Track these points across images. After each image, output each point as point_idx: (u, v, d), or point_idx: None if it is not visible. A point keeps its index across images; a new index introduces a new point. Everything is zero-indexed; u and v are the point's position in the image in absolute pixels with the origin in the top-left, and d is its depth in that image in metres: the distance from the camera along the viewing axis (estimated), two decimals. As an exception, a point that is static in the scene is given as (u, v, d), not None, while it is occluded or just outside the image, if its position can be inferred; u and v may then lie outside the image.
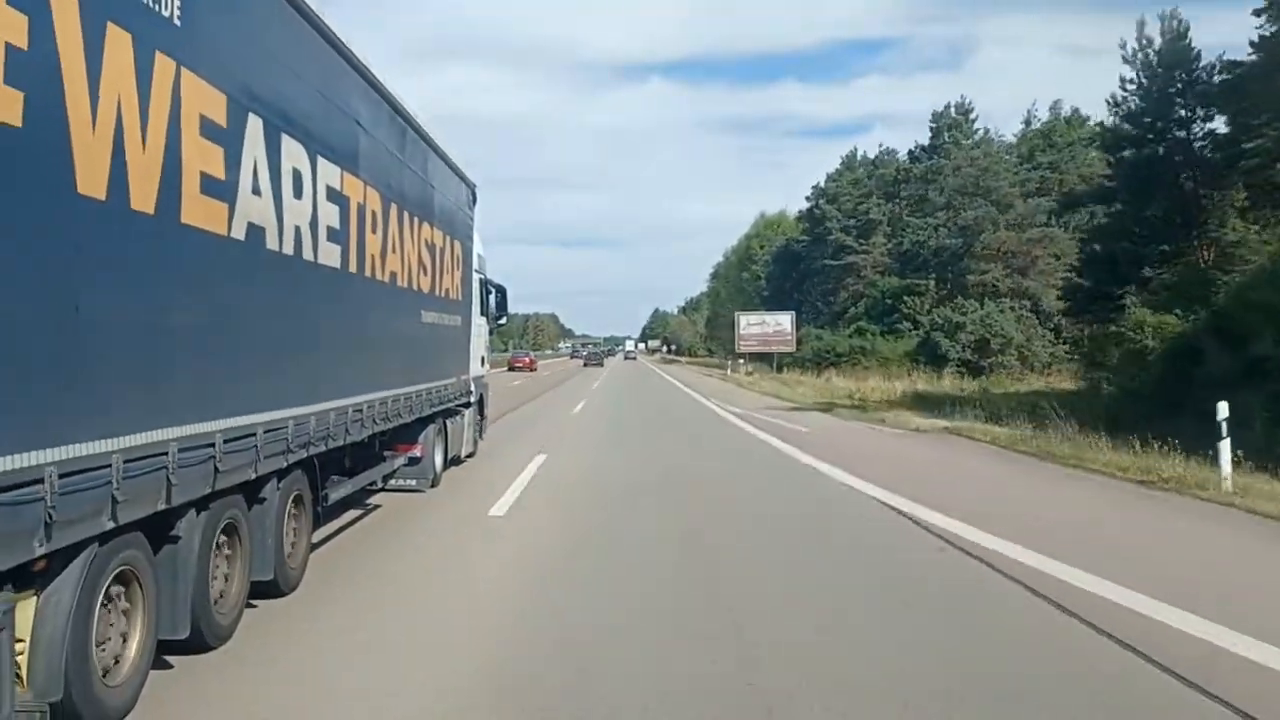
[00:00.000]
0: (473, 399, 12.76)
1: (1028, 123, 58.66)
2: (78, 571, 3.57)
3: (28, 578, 3.37)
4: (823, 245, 63.58)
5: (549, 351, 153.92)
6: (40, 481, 3.18)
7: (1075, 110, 55.67)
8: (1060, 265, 44.25)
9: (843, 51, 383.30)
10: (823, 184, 68.45)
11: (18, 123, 3.08)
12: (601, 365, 79.29)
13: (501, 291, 15.08)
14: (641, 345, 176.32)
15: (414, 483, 9.90)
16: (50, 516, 3.24)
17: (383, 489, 9.47)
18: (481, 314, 13.51)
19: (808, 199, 70.25)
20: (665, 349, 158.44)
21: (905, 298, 52.46)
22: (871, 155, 68.39)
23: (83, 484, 3.44)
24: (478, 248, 12.98)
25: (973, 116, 57.57)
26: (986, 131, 56.88)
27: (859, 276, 60.46)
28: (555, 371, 64.27)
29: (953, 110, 57.74)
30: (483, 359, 14.00)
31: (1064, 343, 43.57)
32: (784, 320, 58.23)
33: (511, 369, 59.18)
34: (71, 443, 3.37)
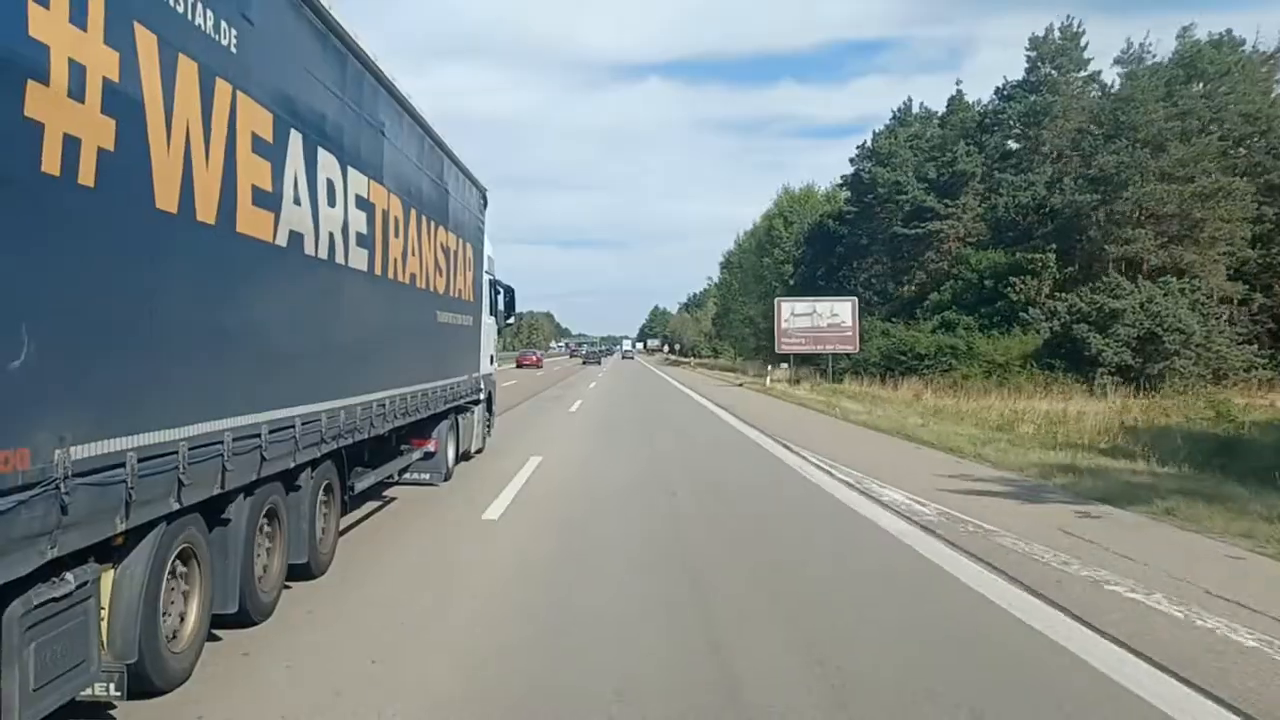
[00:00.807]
0: (482, 396, 13.17)
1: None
2: (149, 548, 3.97)
3: (107, 553, 3.77)
4: (872, 219, 50.25)
5: (541, 351, 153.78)
6: (123, 465, 3.59)
7: (1227, 32, 39.37)
8: (1234, 229, 33.25)
9: (841, 53, 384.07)
10: (870, 143, 52.47)
11: (111, 146, 3.48)
12: (599, 364, 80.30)
13: (510, 292, 15.49)
14: (639, 345, 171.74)
15: (428, 476, 10.29)
16: (130, 496, 3.65)
17: (398, 483, 9.86)
18: (490, 314, 13.91)
19: (853, 160, 54.17)
20: (666, 349, 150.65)
21: (1013, 278, 38.55)
22: (933, 107, 53.09)
23: (155, 468, 3.84)
24: (487, 249, 13.38)
25: (1083, 42, 44.15)
26: (1128, 49, 40.46)
27: (940, 250, 45.87)
28: (549, 371, 59.21)
29: (1056, 33, 44.14)
30: (491, 357, 14.40)
31: (1250, 340, 32.64)
32: (842, 310, 41.85)
33: (520, 366, 61.22)
34: (147, 431, 3.78)
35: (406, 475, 9.85)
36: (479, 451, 13.44)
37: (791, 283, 58.41)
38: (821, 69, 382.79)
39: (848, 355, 41.53)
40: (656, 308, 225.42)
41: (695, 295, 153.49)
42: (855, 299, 42.90)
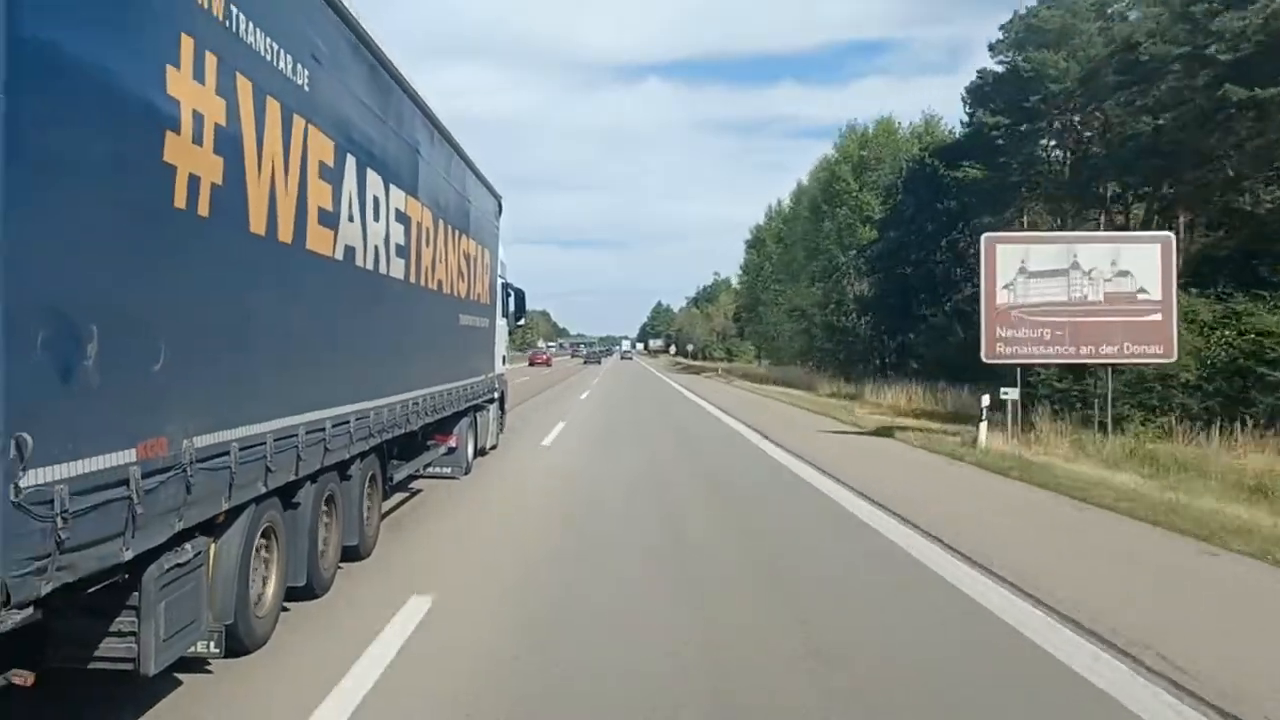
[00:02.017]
0: (496, 395, 13.79)
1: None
2: (242, 525, 4.59)
3: (210, 529, 4.37)
4: (1032, 141, 31.99)
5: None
6: (228, 454, 4.19)
7: None
8: None
9: (842, 53, 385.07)
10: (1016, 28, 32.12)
11: (220, 181, 4.08)
12: (599, 364, 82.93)
13: (520, 294, 16.10)
14: (640, 345, 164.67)
15: (449, 470, 10.89)
16: (232, 480, 4.26)
17: (422, 476, 10.47)
18: (503, 315, 14.53)
19: (991, 46, 33.65)
20: (673, 349, 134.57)
21: None
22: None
23: (250, 457, 4.45)
24: (501, 254, 13.99)
25: None
26: None
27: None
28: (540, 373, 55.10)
29: None
30: (503, 358, 15.01)
31: None
32: (1139, 260, 17.00)
33: (532, 364, 67.60)
34: (245, 425, 4.38)
35: (430, 469, 10.45)
36: (493, 448, 14.05)
37: (873, 256, 40.90)
38: (822, 70, 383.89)
39: (1134, 369, 18.63)
40: (660, 304, 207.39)
41: (705, 289, 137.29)
42: (1169, 236, 18.31)
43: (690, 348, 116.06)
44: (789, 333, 56.03)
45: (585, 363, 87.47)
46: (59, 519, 2.91)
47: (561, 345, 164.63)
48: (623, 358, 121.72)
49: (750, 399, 33.34)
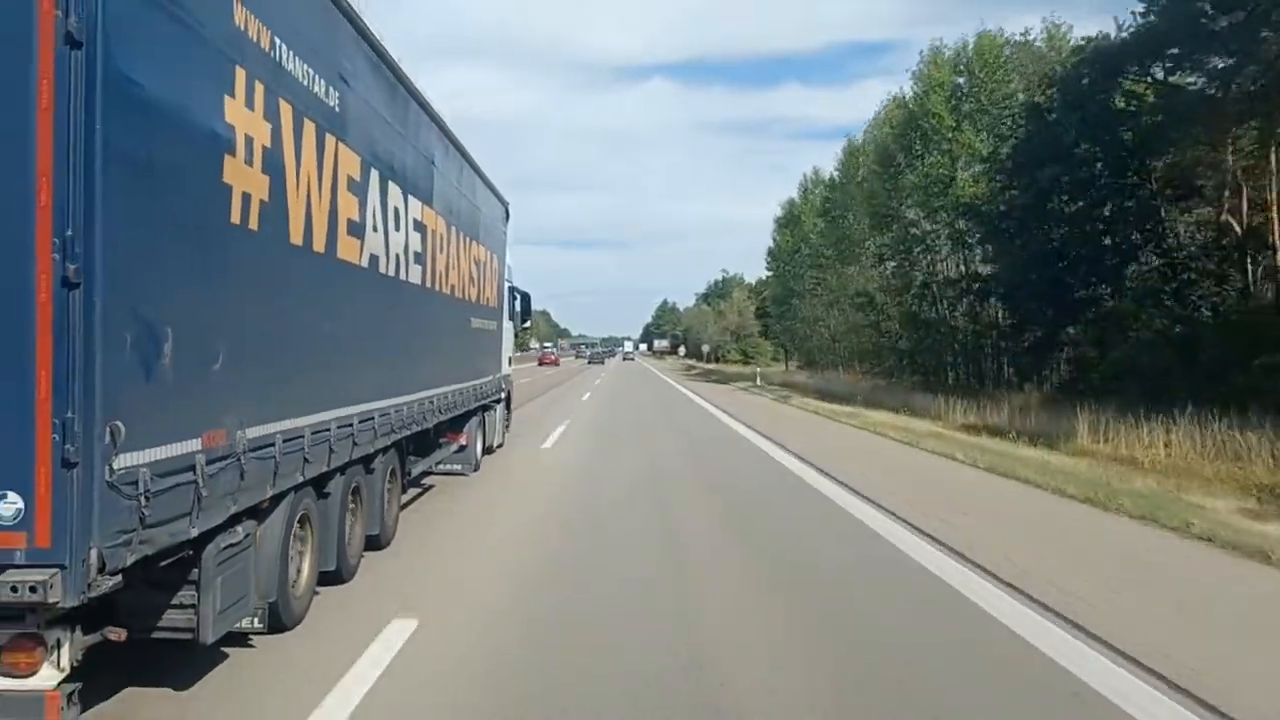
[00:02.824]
0: (502, 395, 14.22)
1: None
2: (283, 511, 5.00)
3: (255, 514, 4.79)
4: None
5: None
6: (273, 445, 4.61)
7: None
8: None
9: (844, 54, 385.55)
10: None
11: (267, 198, 4.50)
12: (603, 364, 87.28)
13: (525, 297, 16.54)
14: (643, 346, 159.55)
15: (459, 467, 11.32)
16: (276, 469, 4.68)
17: (433, 472, 10.88)
18: (509, 318, 14.95)
19: None
20: (681, 350, 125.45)
21: None
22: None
23: (291, 449, 4.87)
24: (508, 258, 14.42)
25: None
26: None
27: None
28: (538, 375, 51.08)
29: None
30: (509, 359, 15.44)
31: None
32: None
33: (541, 364, 72.25)
34: (285, 419, 4.80)
35: (441, 466, 10.87)
36: (499, 446, 14.48)
37: (987, 214, 29.64)
38: (825, 70, 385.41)
39: None
40: (665, 302, 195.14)
41: (716, 284, 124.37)
42: None
43: (706, 348, 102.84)
44: (839, 329, 45.65)
45: (590, 362, 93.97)
46: (142, 498, 3.33)
47: (563, 346, 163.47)
48: (625, 358, 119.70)
49: (899, 455, 15.83)
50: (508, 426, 15.55)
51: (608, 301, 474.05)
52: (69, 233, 3.01)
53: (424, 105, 8.08)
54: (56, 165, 3.01)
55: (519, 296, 16.06)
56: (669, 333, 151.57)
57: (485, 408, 12.66)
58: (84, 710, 3.60)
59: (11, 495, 3.00)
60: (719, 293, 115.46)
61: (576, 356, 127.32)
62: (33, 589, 2.98)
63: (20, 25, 3.01)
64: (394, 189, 7.02)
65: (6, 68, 3.02)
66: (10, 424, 3.00)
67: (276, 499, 4.90)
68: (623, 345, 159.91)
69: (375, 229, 6.53)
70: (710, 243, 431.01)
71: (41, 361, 3.01)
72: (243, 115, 4.21)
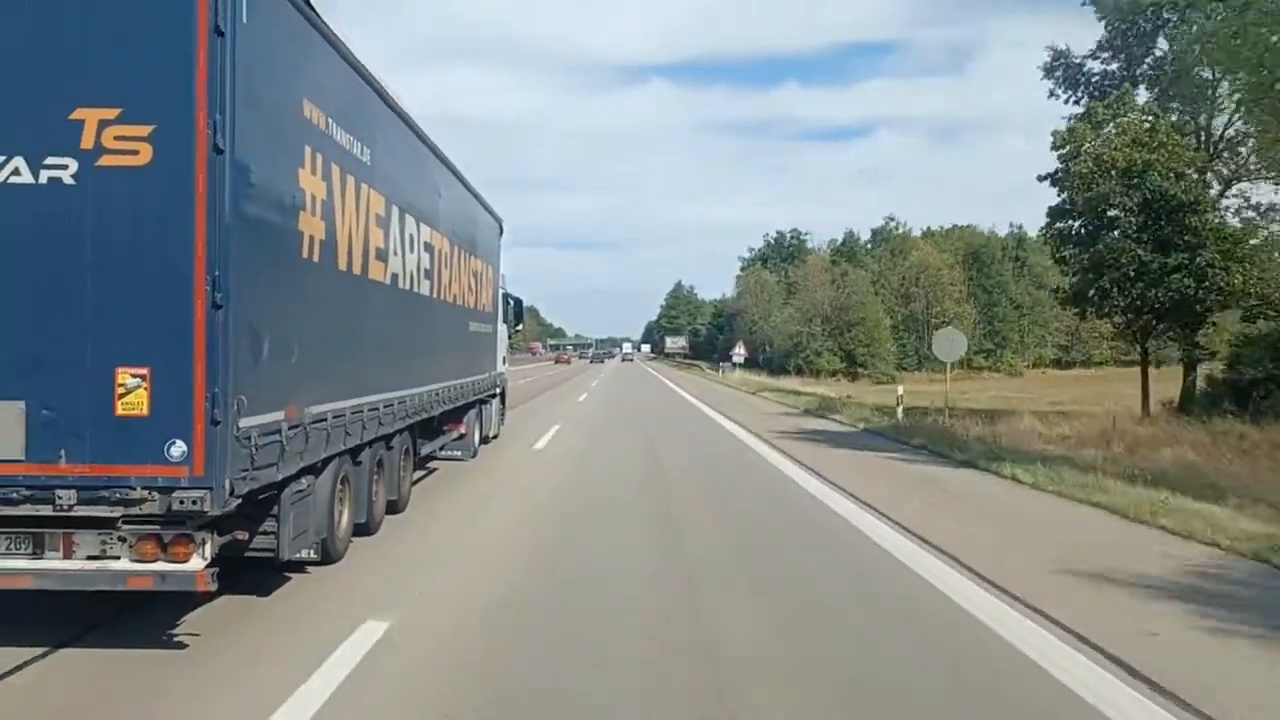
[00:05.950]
0: (497, 391, 15.85)
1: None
2: (332, 470, 6.63)
3: (312, 470, 6.40)
4: None
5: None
6: (325, 420, 6.24)
7: None
8: None
9: (845, 55, 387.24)
10: None
11: (323, 237, 6.13)
12: (603, 364, 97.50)
13: (518, 302, 18.21)
14: (645, 347, 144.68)
15: (460, 454, 12.94)
16: (328, 438, 6.30)
17: (437, 457, 12.51)
18: (504, 321, 16.59)
19: None
20: (740, 354, 58.86)
21: None
22: None
23: (338, 424, 6.49)
24: (502, 268, 16.07)
25: None
26: None
27: None
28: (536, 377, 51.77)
29: None
30: (504, 359, 17.07)
31: None
32: None
33: (557, 363, 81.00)
34: (334, 401, 6.43)
35: (444, 451, 12.49)
36: (495, 436, 16.11)
37: None
38: (826, 71, 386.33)
39: None
40: (680, 284, 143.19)
41: (774, 244, 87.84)
42: None
43: (763, 353, 64.82)
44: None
45: (591, 362, 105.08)
46: (254, 448, 4.95)
47: (563, 347, 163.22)
48: (624, 359, 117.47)
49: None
50: (503, 419, 17.19)
51: (607, 302, 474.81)
52: (217, 273, 4.63)
53: (432, 147, 9.71)
54: (209, 228, 4.62)
55: (512, 301, 17.70)
56: (685, 328, 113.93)
57: (482, 402, 14.27)
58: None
59: (180, 442, 4.61)
60: (784, 256, 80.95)
61: (579, 357, 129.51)
62: (194, 502, 4.59)
63: (186, 139, 4.62)
64: (409, 219, 8.65)
65: (179, 168, 4.62)
66: (181, 397, 4.61)
67: (326, 461, 6.51)
68: (620, 346, 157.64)
69: (395, 253, 8.15)
70: (713, 243, 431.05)
71: (199, 357, 4.62)
72: (310, 180, 5.84)
